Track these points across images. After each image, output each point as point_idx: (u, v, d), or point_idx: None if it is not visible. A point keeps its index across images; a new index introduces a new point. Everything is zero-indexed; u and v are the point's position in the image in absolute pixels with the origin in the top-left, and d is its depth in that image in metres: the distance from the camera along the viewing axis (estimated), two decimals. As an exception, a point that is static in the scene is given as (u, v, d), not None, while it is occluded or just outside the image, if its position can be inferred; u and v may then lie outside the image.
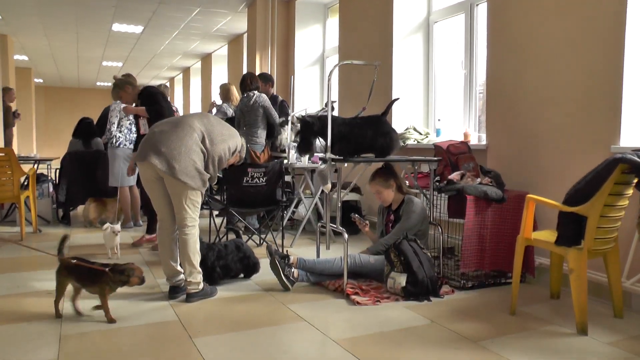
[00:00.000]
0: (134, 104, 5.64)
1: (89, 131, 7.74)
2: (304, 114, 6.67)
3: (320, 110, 6.67)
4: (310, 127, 4.23)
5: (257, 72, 9.13)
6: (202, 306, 3.75)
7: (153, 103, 5.40)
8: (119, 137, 6.60)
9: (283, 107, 7.22)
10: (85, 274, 3.40)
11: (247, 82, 6.56)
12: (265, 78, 7.22)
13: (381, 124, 4.21)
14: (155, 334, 3.20)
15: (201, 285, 3.88)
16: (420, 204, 4.42)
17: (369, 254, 4.40)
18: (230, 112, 7.73)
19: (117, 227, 5.18)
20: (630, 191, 3.26)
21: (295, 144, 6.54)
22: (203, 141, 3.80)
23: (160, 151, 3.68)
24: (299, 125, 4.42)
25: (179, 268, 3.94)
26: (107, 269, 3.36)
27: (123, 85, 5.58)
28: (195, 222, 3.85)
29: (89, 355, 2.88)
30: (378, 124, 4.19)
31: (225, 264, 4.30)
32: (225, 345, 3.04)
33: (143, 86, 5.74)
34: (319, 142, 6.47)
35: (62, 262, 3.46)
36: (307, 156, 6.00)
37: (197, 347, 2.99)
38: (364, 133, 4.15)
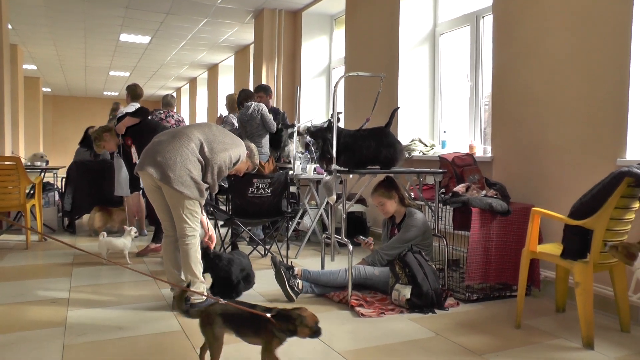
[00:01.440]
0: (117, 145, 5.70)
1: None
2: (309, 124, 6.70)
3: (326, 122, 6.68)
4: (324, 132, 4.23)
5: (264, 83, 9.18)
6: (206, 316, 3.74)
7: (142, 113, 5.50)
8: None
9: (285, 120, 7.28)
10: (247, 321, 2.66)
11: (242, 98, 6.70)
12: (263, 89, 7.26)
13: (385, 135, 4.21)
14: (159, 344, 3.20)
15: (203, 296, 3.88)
16: (421, 218, 4.40)
17: (364, 263, 4.39)
18: (236, 122, 7.77)
19: (133, 229, 5.48)
20: (636, 204, 3.25)
21: (301, 154, 6.57)
22: (202, 150, 3.80)
23: (156, 160, 3.70)
24: (308, 137, 4.43)
25: (183, 277, 3.93)
26: (269, 315, 2.61)
27: (101, 135, 5.64)
28: (195, 232, 3.85)
29: (92, 365, 2.89)
30: (382, 136, 4.20)
31: (247, 274, 4.28)
32: (229, 355, 3.02)
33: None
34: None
35: (212, 309, 2.73)
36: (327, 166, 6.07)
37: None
38: (368, 144, 4.15)
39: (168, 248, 3.96)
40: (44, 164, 8.29)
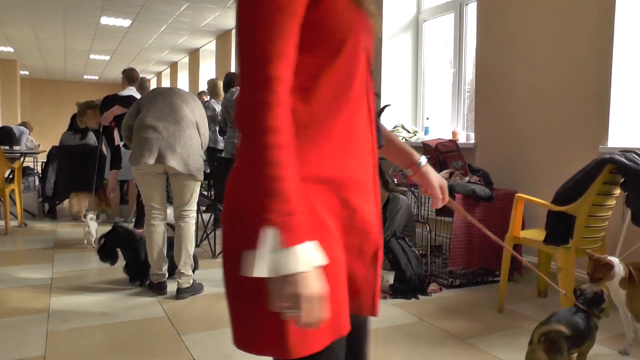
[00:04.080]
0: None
1: (87, 126, 7.67)
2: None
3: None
4: None
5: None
6: (190, 302, 3.74)
7: (117, 100, 5.46)
8: None
9: None
10: (582, 330, 2.39)
11: (225, 82, 6.66)
12: None
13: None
14: (144, 331, 3.19)
15: (191, 280, 3.89)
16: (405, 202, 4.42)
17: None
18: (218, 108, 7.71)
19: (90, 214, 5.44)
20: (617, 191, 3.29)
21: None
22: (198, 130, 3.91)
23: (176, 151, 3.70)
24: None
25: (165, 266, 3.93)
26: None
27: (84, 111, 5.62)
28: (195, 212, 3.97)
29: (76, 352, 2.87)
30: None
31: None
32: (213, 341, 3.03)
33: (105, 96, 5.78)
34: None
35: (557, 333, 2.30)
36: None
37: (186, 344, 2.98)
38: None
39: (159, 237, 3.91)
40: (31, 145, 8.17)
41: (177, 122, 3.80)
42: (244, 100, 0.97)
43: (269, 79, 0.96)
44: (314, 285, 0.93)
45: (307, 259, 0.93)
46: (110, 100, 5.52)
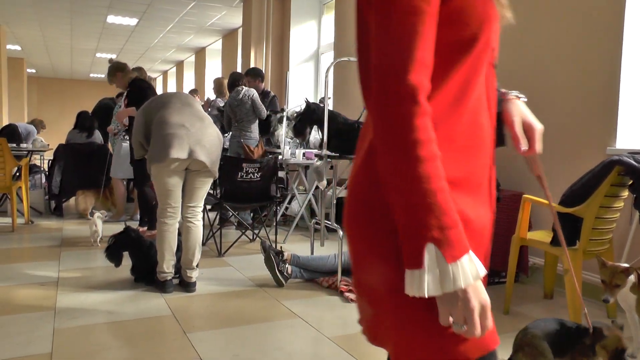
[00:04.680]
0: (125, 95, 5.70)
1: (93, 124, 7.68)
2: (299, 110, 6.68)
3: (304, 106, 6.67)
4: (311, 113, 4.29)
5: (252, 67, 9.12)
6: (196, 301, 3.74)
7: (141, 101, 5.44)
8: None
9: (273, 104, 7.22)
10: (564, 337, 2.32)
11: (230, 81, 6.65)
12: (255, 73, 7.21)
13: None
14: (150, 329, 3.19)
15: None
16: None
17: None
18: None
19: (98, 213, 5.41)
20: (625, 193, 3.28)
21: (290, 139, 6.55)
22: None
23: (204, 147, 3.79)
24: (301, 108, 4.50)
25: (172, 265, 3.94)
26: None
27: (113, 71, 5.65)
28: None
29: (83, 350, 2.87)
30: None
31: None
32: (219, 340, 3.03)
33: (134, 77, 5.76)
34: (317, 135, 6.48)
35: (533, 336, 2.26)
36: (299, 140, 6.14)
37: (192, 342, 2.98)
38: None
39: (172, 236, 3.91)
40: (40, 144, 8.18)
41: (202, 119, 3.90)
42: (385, 113, 0.90)
43: (412, 89, 0.89)
44: (483, 296, 0.91)
45: (473, 270, 0.90)
46: (138, 87, 5.52)
